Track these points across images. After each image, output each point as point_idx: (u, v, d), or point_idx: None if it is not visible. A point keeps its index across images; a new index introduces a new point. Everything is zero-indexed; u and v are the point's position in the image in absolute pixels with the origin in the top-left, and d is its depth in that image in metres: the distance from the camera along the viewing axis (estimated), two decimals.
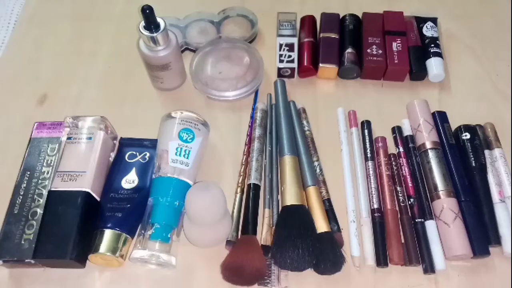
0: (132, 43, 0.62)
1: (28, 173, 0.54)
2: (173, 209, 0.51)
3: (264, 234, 0.52)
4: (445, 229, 0.51)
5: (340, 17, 0.68)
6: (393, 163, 0.57)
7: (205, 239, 0.51)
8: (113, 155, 0.57)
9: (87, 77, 0.66)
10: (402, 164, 0.57)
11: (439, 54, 0.64)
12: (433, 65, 0.63)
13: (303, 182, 0.54)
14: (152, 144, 0.57)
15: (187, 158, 0.53)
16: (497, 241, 0.51)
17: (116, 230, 0.50)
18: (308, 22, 0.68)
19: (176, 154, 0.53)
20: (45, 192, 0.52)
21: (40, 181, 0.53)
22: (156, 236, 0.50)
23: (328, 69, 0.63)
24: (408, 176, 0.56)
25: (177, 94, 0.64)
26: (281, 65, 0.63)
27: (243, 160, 0.57)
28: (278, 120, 0.59)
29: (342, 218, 0.53)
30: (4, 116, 0.63)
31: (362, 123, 0.60)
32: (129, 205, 0.52)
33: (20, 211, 0.51)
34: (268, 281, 0.50)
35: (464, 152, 0.56)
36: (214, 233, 0.50)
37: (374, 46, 0.64)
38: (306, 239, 0.48)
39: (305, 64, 0.64)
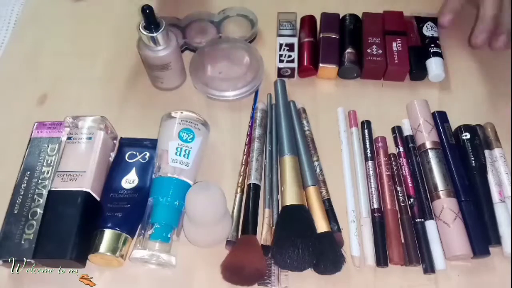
0: (132, 43, 0.62)
1: (28, 173, 0.54)
2: (173, 209, 0.51)
3: (264, 234, 0.52)
4: (445, 229, 0.51)
5: (340, 17, 0.68)
6: (393, 163, 0.57)
7: (205, 239, 0.51)
8: (113, 155, 0.57)
9: (87, 77, 0.66)
10: (402, 164, 0.57)
11: (439, 54, 0.64)
12: (433, 65, 0.63)
13: (303, 182, 0.54)
14: (152, 144, 0.56)
15: (187, 158, 0.53)
16: (497, 241, 0.51)
17: (116, 230, 0.50)
18: (308, 22, 0.67)
19: (176, 154, 0.53)
20: (45, 192, 0.52)
21: (40, 181, 0.53)
22: (156, 236, 0.50)
23: (328, 69, 0.63)
24: (408, 176, 0.56)
25: (177, 94, 0.64)
26: (281, 65, 0.63)
27: (243, 160, 0.57)
28: (278, 120, 0.59)
29: (342, 218, 0.53)
30: (4, 116, 0.63)
31: (362, 123, 0.60)
32: (129, 205, 0.52)
33: (20, 211, 0.51)
34: (268, 281, 0.49)
35: (464, 152, 0.56)
36: (214, 233, 0.50)
37: (374, 46, 0.64)
38: (306, 239, 0.48)
39: (305, 64, 0.63)
